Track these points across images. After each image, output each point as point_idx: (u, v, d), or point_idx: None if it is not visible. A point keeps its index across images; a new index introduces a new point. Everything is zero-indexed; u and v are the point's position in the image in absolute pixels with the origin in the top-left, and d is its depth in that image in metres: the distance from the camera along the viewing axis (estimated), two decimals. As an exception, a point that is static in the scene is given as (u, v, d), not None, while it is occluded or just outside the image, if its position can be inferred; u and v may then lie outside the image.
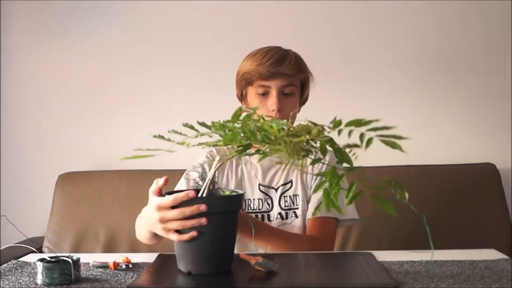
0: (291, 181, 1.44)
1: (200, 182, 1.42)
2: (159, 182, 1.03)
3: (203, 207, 0.94)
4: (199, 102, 2.19)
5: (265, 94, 1.40)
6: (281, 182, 1.44)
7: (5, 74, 2.28)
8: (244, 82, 1.43)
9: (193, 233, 0.96)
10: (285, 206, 1.42)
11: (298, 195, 1.43)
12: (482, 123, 2.14)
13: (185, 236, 0.96)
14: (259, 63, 1.38)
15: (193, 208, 0.95)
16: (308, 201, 1.43)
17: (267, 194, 1.43)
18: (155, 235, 1.11)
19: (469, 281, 0.93)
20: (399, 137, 0.82)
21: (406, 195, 0.83)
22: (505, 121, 2.13)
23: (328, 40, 2.18)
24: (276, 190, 1.44)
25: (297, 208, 1.41)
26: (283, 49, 1.44)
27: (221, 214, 0.98)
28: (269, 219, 1.41)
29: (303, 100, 1.50)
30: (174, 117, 2.14)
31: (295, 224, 1.40)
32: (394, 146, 0.82)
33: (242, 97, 1.48)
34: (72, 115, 2.26)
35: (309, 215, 1.40)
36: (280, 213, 1.41)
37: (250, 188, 1.44)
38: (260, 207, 1.42)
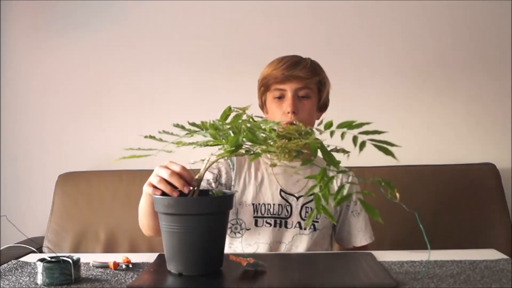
0: (314, 193, 1.44)
1: (213, 185, 1.41)
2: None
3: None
4: (200, 102, 2.19)
5: (281, 98, 1.42)
6: (303, 192, 1.44)
7: (5, 74, 2.28)
8: (262, 89, 1.47)
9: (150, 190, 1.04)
10: (305, 217, 1.42)
11: None
12: (482, 123, 2.15)
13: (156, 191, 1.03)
14: (274, 68, 1.42)
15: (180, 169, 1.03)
16: (339, 217, 1.46)
17: (287, 201, 1.43)
18: (151, 216, 1.19)
19: (469, 281, 0.93)
20: (391, 144, 0.82)
21: (397, 195, 0.84)
22: (505, 121, 2.13)
23: (325, 41, 2.18)
24: (297, 198, 1.43)
25: (317, 222, 1.42)
26: (300, 56, 1.47)
27: (211, 215, 0.98)
28: (286, 226, 1.41)
29: (321, 105, 1.50)
30: (175, 117, 2.13)
31: (312, 237, 1.40)
32: (386, 152, 0.82)
33: (262, 105, 1.51)
34: (72, 115, 2.26)
35: (357, 243, 1.44)
36: (299, 222, 1.41)
37: (271, 193, 1.43)
38: (280, 213, 1.41)
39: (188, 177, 1.03)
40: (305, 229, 1.40)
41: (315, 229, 1.41)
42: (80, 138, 2.26)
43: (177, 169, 1.03)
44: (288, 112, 1.39)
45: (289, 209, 1.42)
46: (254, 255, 1.08)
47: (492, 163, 2.04)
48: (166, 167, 1.04)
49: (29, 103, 2.28)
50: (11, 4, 2.26)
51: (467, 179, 1.99)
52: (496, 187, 1.98)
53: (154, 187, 1.04)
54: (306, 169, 1.45)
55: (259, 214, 1.41)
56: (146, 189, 1.07)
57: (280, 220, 1.41)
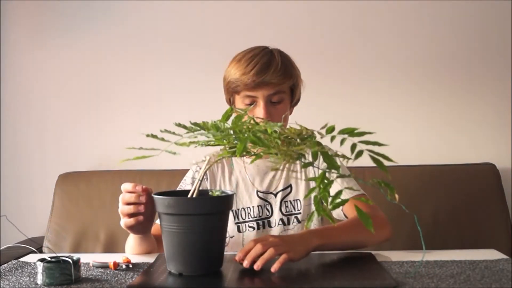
0: (290, 186, 1.43)
1: None
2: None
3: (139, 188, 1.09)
4: (200, 101, 2.19)
5: (252, 103, 1.34)
6: (280, 187, 1.42)
7: (5, 74, 2.28)
8: (230, 90, 1.38)
9: (130, 221, 1.11)
10: (286, 212, 1.40)
11: (299, 199, 1.41)
12: (482, 123, 2.14)
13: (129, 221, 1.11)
14: (243, 72, 1.31)
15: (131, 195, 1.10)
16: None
17: (266, 200, 1.41)
18: (139, 241, 1.22)
19: (469, 281, 0.93)
20: (388, 158, 0.82)
21: (396, 196, 0.84)
22: (505, 121, 2.13)
23: (325, 42, 2.18)
24: (275, 195, 1.42)
25: (299, 213, 1.40)
26: (268, 53, 1.36)
27: (211, 215, 0.98)
28: (269, 225, 1.40)
29: (294, 102, 1.44)
30: (175, 117, 2.13)
31: (297, 230, 1.39)
32: (381, 167, 0.83)
33: (230, 102, 1.43)
34: (72, 115, 2.26)
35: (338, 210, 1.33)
36: (281, 219, 1.39)
37: (248, 196, 1.42)
38: (260, 214, 1.40)
39: (135, 198, 1.11)
40: (288, 224, 1.39)
41: (299, 221, 1.40)
42: (80, 138, 2.26)
43: (125, 199, 1.13)
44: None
45: (269, 208, 1.40)
46: None
47: (492, 163, 2.03)
48: (122, 199, 1.14)
49: (29, 103, 2.28)
50: (11, 4, 2.26)
51: (467, 179, 1.99)
52: (496, 187, 1.97)
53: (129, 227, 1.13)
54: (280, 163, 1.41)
55: (240, 220, 1.39)
56: (124, 227, 1.15)
57: (262, 221, 1.39)
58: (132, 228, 1.14)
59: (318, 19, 2.19)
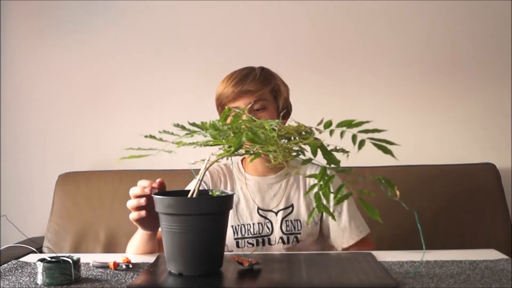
0: (292, 205, 1.44)
1: None
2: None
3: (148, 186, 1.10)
4: (200, 103, 2.18)
5: None
6: (282, 206, 1.43)
7: (6, 74, 2.28)
8: (219, 108, 1.44)
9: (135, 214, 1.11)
10: (286, 231, 1.41)
11: (299, 220, 1.42)
12: (482, 123, 2.14)
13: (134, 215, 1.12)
14: (225, 86, 1.39)
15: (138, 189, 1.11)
16: (320, 223, 1.43)
17: (266, 218, 1.42)
18: (147, 240, 1.21)
19: (469, 281, 0.93)
20: (390, 143, 0.82)
21: (397, 192, 0.84)
22: (505, 121, 2.13)
23: (325, 43, 2.18)
24: (276, 213, 1.42)
25: (299, 233, 1.41)
26: (249, 68, 1.43)
27: (211, 215, 0.98)
28: (269, 243, 1.40)
29: (282, 111, 1.43)
30: (174, 118, 2.13)
31: (294, 248, 1.40)
32: (385, 151, 0.82)
33: None
34: (72, 115, 2.26)
35: (344, 244, 1.40)
36: (282, 238, 1.40)
37: (249, 213, 1.43)
38: (260, 231, 1.41)
39: (147, 190, 1.11)
40: (288, 243, 1.39)
41: (298, 241, 1.40)
42: (80, 138, 2.26)
43: (132, 192, 1.12)
44: None
45: (270, 226, 1.41)
46: (256, 256, 1.08)
47: (492, 163, 2.03)
48: (134, 194, 1.13)
49: (29, 103, 2.28)
50: (11, 5, 2.26)
51: (467, 179, 1.99)
52: (496, 187, 1.97)
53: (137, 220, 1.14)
54: (281, 181, 1.45)
55: (239, 235, 1.40)
56: (133, 220, 1.14)
57: (262, 238, 1.40)
58: (141, 223, 1.15)
59: (317, 19, 2.18)
